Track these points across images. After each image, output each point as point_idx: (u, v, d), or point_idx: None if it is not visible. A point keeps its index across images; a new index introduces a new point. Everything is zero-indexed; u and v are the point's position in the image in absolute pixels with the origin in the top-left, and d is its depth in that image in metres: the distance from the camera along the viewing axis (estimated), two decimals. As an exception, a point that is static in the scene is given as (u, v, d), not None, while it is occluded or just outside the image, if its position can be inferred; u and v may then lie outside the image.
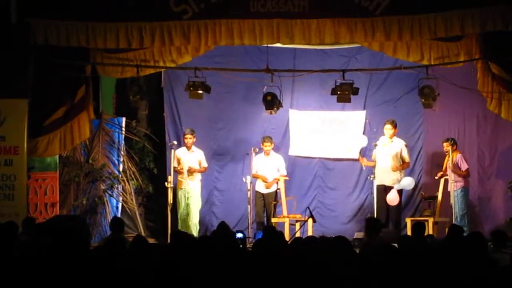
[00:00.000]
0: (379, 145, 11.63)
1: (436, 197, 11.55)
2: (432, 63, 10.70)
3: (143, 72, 11.14)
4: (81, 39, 10.25)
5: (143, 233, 11.87)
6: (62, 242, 5.15)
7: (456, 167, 11.42)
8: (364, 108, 12.49)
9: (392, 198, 11.39)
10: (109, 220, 10.93)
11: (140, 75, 11.07)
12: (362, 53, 12.08)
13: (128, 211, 12.34)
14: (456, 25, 9.85)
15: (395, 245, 6.07)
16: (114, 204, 12.25)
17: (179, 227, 11.48)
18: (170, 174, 11.75)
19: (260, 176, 11.93)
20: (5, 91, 10.19)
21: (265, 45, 10.96)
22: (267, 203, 11.87)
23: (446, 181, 11.51)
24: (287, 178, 12.06)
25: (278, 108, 11.47)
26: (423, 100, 10.95)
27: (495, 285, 4.71)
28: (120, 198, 12.30)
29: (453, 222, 10.86)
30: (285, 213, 11.71)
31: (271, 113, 11.56)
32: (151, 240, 10.83)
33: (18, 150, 10.22)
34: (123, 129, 12.45)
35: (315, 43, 10.82)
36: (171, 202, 11.49)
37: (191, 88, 11.19)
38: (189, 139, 11.92)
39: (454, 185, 11.34)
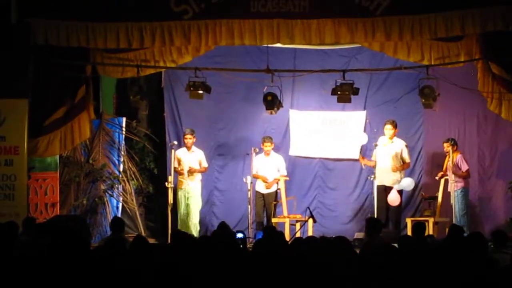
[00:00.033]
0: (379, 145, 11.62)
1: (436, 197, 11.55)
2: (432, 63, 10.70)
3: (144, 72, 11.14)
4: (81, 39, 10.25)
5: (143, 233, 11.87)
6: (62, 242, 5.14)
7: (456, 168, 11.42)
8: (365, 108, 12.49)
9: (394, 199, 11.40)
10: (110, 220, 10.94)
11: (140, 75, 11.07)
12: (363, 53, 12.08)
13: (129, 211, 12.34)
14: (457, 25, 9.85)
15: (395, 245, 6.07)
16: (115, 204, 12.25)
17: (179, 227, 11.46)
18: (170, 174, 11.75)
19: (260, 176, 11.93)
20: (5, 91, 10.19)
21: (266, 45, 10.96)
22: (267, 203, 11.87)
23: (446, 182, 11.50)
24: (287, 178, 12.05)
25: (278, 108, 11.47)
26: (423, 100, 10.94)
27: (495, 285, 4.70)
28: (121, 198, 12.30)
29: (453, 222, 10.86)
30: (285, 213, 11.70)
31: (271, 113, 11.55)
32: (151, 240, 10.84)
33: (19, 150, 10.22)
34: (124, 129, 12.45)
35: (316, 43, 10.81)
36: (171, 202, 11.48)
37: (192, 88, 11.19)
38: (189, 139, 11.92)
39: (454, 186, 11.34)
